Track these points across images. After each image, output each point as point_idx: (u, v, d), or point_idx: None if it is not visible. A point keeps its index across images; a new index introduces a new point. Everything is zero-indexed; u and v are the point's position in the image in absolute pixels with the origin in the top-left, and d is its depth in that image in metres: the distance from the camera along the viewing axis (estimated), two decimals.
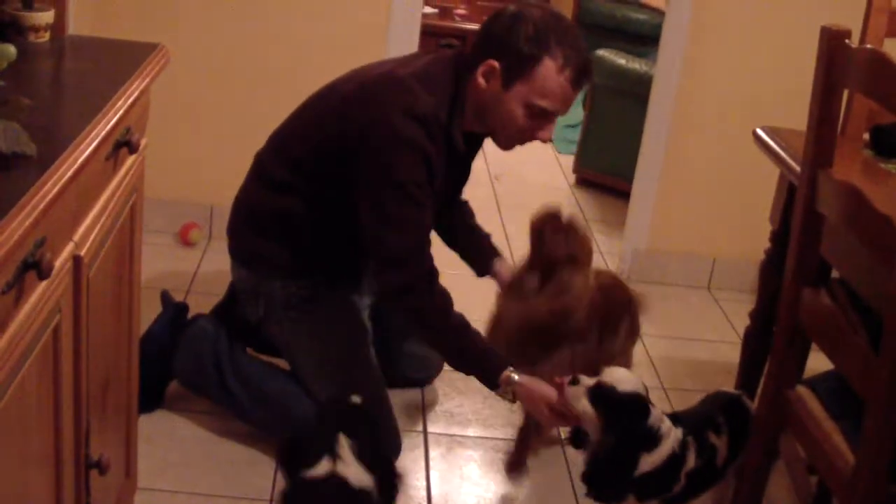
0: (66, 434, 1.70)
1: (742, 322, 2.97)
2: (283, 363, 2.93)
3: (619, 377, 2.31)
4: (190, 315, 2.93)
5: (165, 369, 2.84)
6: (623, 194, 4.48)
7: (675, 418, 2.40)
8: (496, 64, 2.51)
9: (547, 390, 2.45)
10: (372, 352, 2.76)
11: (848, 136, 2.73)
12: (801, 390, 2.18)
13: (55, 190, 1.43)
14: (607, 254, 4.35)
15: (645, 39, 7.06)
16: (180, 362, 2.82)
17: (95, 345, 1.83)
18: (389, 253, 2.54)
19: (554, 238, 2.60)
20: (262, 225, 2.73)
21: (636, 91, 4.59)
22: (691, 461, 2.33)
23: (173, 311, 2.91)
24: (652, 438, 2.28)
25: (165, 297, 2.95)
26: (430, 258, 2.56)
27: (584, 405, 2.29)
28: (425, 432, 2.94)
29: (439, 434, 2.94)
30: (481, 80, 2.53)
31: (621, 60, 4.95)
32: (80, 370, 1.73)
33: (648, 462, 2.28)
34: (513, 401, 2.54)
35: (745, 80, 3.92)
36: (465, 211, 3.04)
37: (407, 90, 2.51)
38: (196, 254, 3.84)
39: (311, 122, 2.68)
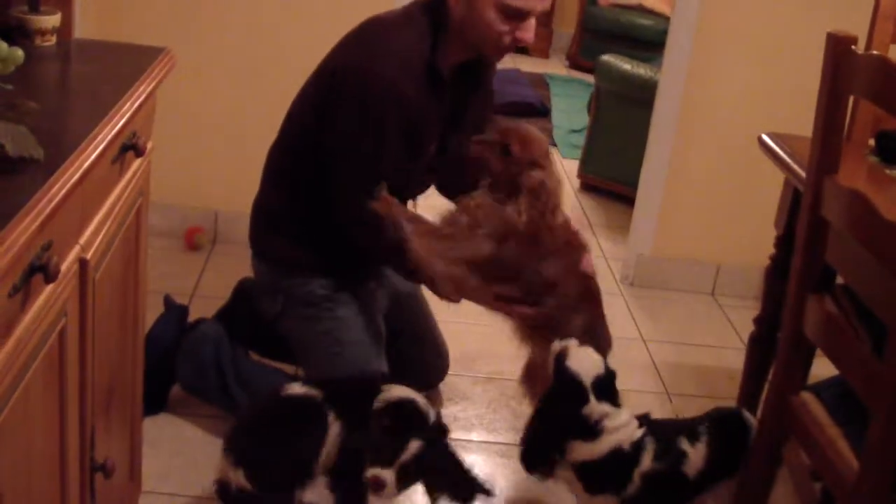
0: (72, 437, 1.70)
1: (746, 328, 2.96)
2: (285, 367, 2.94)
3: (581, 357, 2.37)
4: (192, 319, 2.93)
5: (169, 372, 2.84)
6: (627, 200, 4.49)
7: (654, 423, 2.43)
8: None
9: None
10: (384, 360, 2.75)
11: (853, 141, 2.73)
12: (806, 396, 2.17)
13: (62, 194, 1.44)
14: (612, 259, 4.35)
15: (649, 45, 7.09)
16: (182, 367, 2.82)
17: (101, 348, 1.83)
18: (344, 188, 2.54)
19: (493, 157, 2.52)
20: (277, 222, 2.74)
21: (641, 96, 4.59)
22: (646, 462, 2.35)
23: (175, 314, 2.91)
24: (587, 428, 2.32)
25: (168, 301, 2.95)
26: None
27: (549, 364, 2.39)
28: None
29: None
30: None
31: (626, 66, 4.94)
32: (85, 373, 1.73)
33: (585, 451, 2.33)
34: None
35: (751, 85, 3.92)
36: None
37: (379, 32, 2.52)
38: (200, 258, 3.84)
39: (297, 99, 2.70)
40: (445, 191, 2.88)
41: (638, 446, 2.35)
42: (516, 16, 2.44)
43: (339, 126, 2.52)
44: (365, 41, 2.54)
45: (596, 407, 2.32)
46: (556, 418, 2.35)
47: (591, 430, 2.32)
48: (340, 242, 2.66)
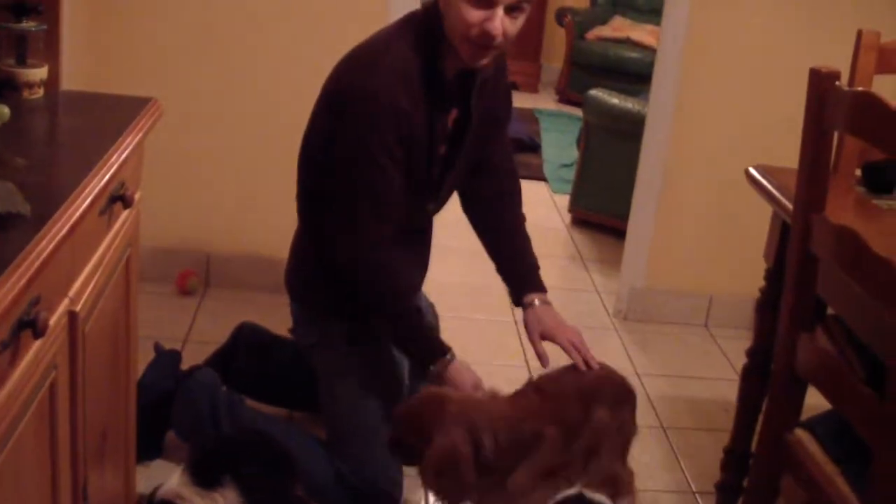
0: (64, 489, 1.69)
1: (740, 359, 2.96)
2: (281, 411, 2.93)
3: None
4: (185, 363, 2.91)
5: (163, 419, 2.82)
6: (619, 233, 4.50)
7: None
8: None
9: (476, 377, 2.44)
10: None
11: (840, 173, 2.74)
12: (800, 433, 2.16)
13: (49, 248, 1.44)
14: (604, 293, 4.36)
15: (639, 77, 7.11)
16: (178, 417, 2.78)
17: (92, 398, 1.83)
18: (345, 219, 2.48)
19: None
20: (310, 267, 2.71)
21: (630, 130, 4.61)
22: None
23: (167, 360, 2.90)
24: None
25: (158, 348, 2.94)
26: (387, 228, 2.49)
27: None
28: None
29: None
30: None
31: (614, 100, 4.97)
32: (76, 425, 1.73)
33: None
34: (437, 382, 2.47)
35: (739, 117, 3.94)
36: (510, 201, 2.86)
37: (369, 51, 2.48)
38: (192, 302, 3.83)
39: (304, 140, 2.64)
40: (470, 213, 2.85)
41: None
42: (485, 4, 2.38)
43: (337, 151, 2.47)
44: (355, 62, 2.50)
45: None
46: None
47: None
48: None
